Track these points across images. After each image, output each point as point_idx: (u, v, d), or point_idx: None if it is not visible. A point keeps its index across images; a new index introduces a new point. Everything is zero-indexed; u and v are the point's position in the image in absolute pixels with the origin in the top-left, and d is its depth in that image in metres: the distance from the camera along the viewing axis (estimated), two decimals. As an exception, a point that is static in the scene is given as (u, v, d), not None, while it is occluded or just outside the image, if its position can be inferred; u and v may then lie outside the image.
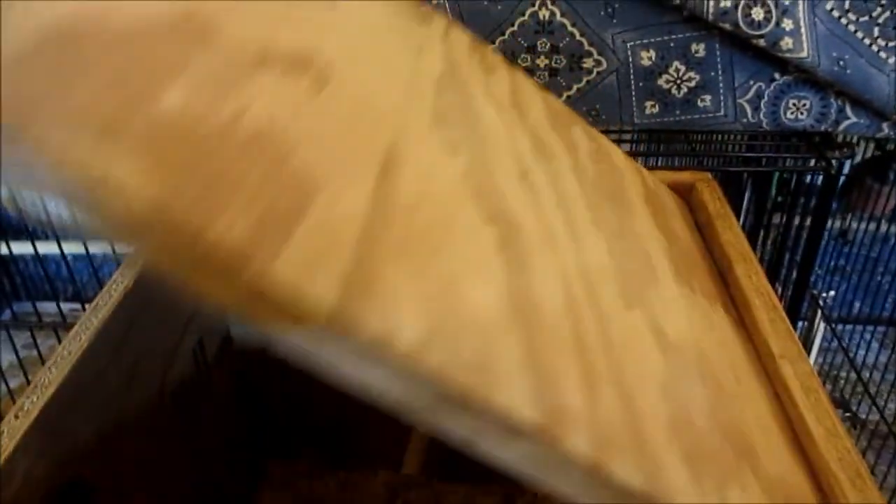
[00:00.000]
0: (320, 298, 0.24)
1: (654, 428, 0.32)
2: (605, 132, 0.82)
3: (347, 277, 0.26)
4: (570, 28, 0.65)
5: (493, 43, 0.66)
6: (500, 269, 0.33)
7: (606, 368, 0.33)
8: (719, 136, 0.85)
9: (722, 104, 0.68)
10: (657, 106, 0.68)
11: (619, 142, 0.85)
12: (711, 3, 0.60)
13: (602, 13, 0.65)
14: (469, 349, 0.28)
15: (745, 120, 0.68)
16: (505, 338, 0.30)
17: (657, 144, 0.90)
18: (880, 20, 0.62)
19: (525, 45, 0.66)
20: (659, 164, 0.88)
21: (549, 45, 0.66)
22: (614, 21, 0.65)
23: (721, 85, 0.67)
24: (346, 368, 0.26)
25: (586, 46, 0.66)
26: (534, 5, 0.65)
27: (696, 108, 0.68)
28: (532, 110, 0.54)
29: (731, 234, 0.57)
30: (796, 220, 0.83)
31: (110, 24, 0.28)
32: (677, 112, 0.68)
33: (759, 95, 0.67)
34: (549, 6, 0.65)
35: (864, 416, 1.01)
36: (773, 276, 0.89)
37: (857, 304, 1.17)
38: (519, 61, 0.67)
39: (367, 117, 0.36)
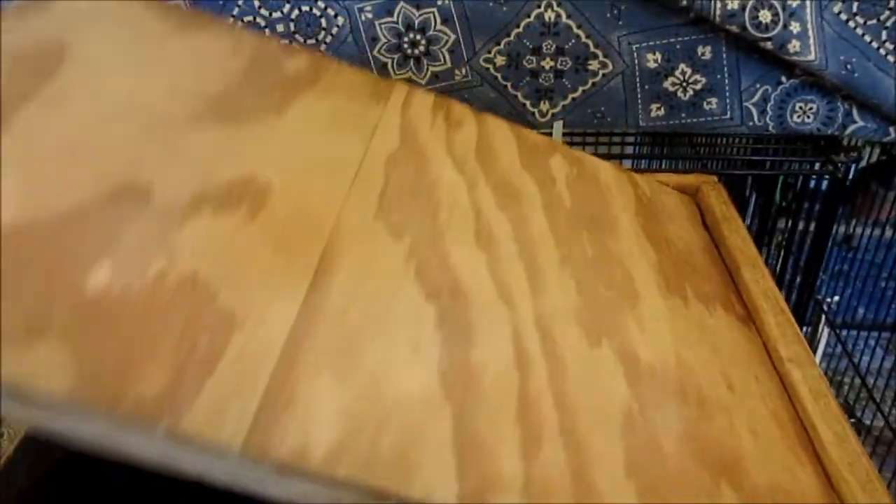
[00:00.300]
0: (230, 439, 0.27)
1: (604, 470, 0.33)
2: (609, 135, 0.82)
3: (261, 405, 0.29)
4: (575, 30, 0.65)
5: (499, 45, 0.66)
6: (436, 347, 0.34)
7: (555, 420, 0.34)
8: (723, 140, 0.85)
9: (728, 107, 0.67)
10: (663, 108, 0.68)
11: (622, 145, 0.85)
12: (718, 5, 0.60)
13: (608, 15, 0.64)
14: (389, 444, 0.30)
15: (751, 123, 0.68)
16: (432, 420, 0.31)
17: (661, 147, 0.89)
18: (888, 23, 0.62)
19: (530, 46, 0.66)
20: (662, 167, 0.87)
21: (554, 46, 0.66)
22: (620, 23, 0.65)
23: (727, 88, 0.66)
24: (267, 487, 0.28)
25: (592, 48, 0.66)
26: (539, 7, 0.65)
27: (702, 110, 0.68)
28: (502, 155, 0.55)
29: (738, 237, 0.57)
30: (801, 225, 0.83)
31: (46, 214, 0.32)
32: (683, 115, 0.68)
33: (765, 99, 0.66)
34: (555, 8, 0.64)
35: (868, 422, 1.01)
36: (777, 280, 0.88)
37: (861, 310, 1.17)
38: (524, 63, 0.67)
39: (304, 228, 0.39)
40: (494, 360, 0.35)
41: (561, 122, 0.69)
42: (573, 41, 0.66)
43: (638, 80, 0.67)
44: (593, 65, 0.67)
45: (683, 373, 0.40)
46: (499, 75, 0.68)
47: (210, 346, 0.29)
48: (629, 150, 0.85)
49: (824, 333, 1.06)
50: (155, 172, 0.37)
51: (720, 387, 0.41)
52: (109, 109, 0.41)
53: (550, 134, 0.69)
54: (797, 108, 0.67)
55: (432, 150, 0.52)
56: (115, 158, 0.37)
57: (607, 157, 0.77)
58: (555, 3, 0.64)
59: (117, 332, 0.28)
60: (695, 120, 0.68)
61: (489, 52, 0.67)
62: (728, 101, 0.67)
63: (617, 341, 0.41)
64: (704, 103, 0.67)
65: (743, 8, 0.59)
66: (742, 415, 0.39)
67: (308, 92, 0.52)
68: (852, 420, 1.04)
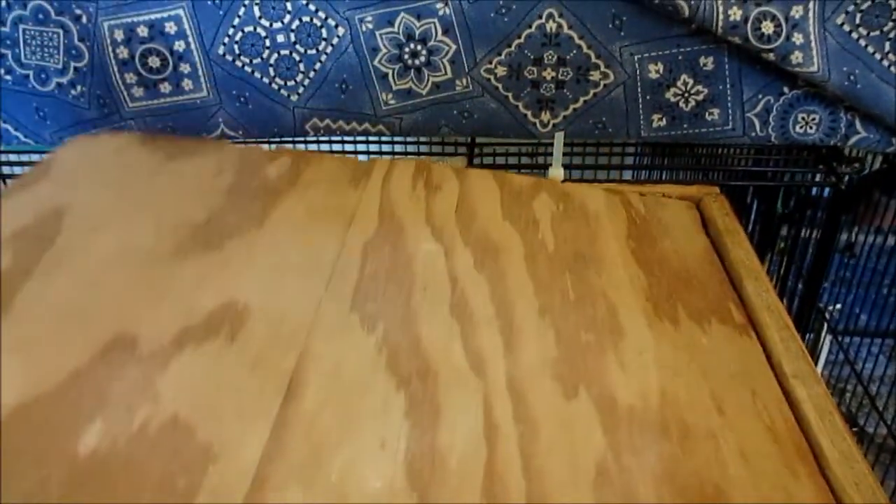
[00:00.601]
0: None
1: None
2: (610, 146, 0.82)
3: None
4: (577, 40, 0.65)
5: (500, 55, 0.66)
6: (403, 438, 0.37)
7: (522, 488, 0.35)
8: (724, 150, 0.85)
9: (730, 118, 0.67)
10: (664, 119, 0.68)
11: (622, 155, 0.85)
12: (721, 17, 0.59)
13: (610, 25, 0.64)
14: None
15: (753, 134, 0.68)
16: None
17: (662, 158, 0.89)
18: (891, 35, 0.62)
19: (532, 57, 0.66)
20: (663, 177, 0.87)
21: (555, 57, 0.66)
22: (622, 34, 0.64)
23: (729, 98, 0.66)
24: None
25: (593, 59, 0.66)
26: (541, 17, 0.64)
27: (704, 121, 0.67)
28: (483, 210, 0.58)
29: (741, 250, 0.56)
30: (803, 232, 0.82)
31: (45, 388, 0.36)
32: (685, 126, 0.68)
33: (767, 109, 0.66)
34: (557, 18, 0.64)
35: (871, 431, 1.00)
36: (780, 288, 0.88)
37: (863, 317, 1.16)
38: (525, 73, 0.67)
39: (280, 341, 0.42)
40: (462, 438, 0.37)
41: (562, 134, 0.68)
42: (574, 51, 0.65)
43: (640, 90, 0.67)
44: (595, 75, 0.66)
45: (667, 406, 0.41)
46: (500, 86, 0.68)
47: (188, 484, 0.32)
48: (629, 160, 0.84)
49: (826, 341, 1.06)
50: (141, 318, 0.42)
51: (708, 413, 0.41)
52: (101, 262, 0.47)
53: (552, 144, 0.69)
54: (800, 119, 0.66)
55: (410, 224, 0.55)
56: (105, 313, 0.42)
57: (607, 167, 0.77)
58: (556, 14, 0.64)
59: (105, 487, 0.32)
60: (697, 130, 0.68)
61: (490, 63, 0.66)
62: (730, 111, 0.67)
63: (595, 388, 0.42)
64: (706, 114, 0.67)
65: (745, 19, 0.59)
66: (732, 438, 0.39)
67: (288, 194, 0.57)
68: (855, 429, 1.04)
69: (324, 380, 0.40)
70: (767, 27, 0.60)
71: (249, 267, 0.48)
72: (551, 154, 0.68)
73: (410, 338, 0.43)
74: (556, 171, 0.67)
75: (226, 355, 0.40)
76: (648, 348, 0.45)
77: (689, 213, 0.63)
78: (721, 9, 0.59)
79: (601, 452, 0.37)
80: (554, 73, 0.67)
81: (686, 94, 0.66)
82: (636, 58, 0.65)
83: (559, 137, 0.68)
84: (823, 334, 1.06)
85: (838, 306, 1.11)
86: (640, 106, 0.67)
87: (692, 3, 0.59)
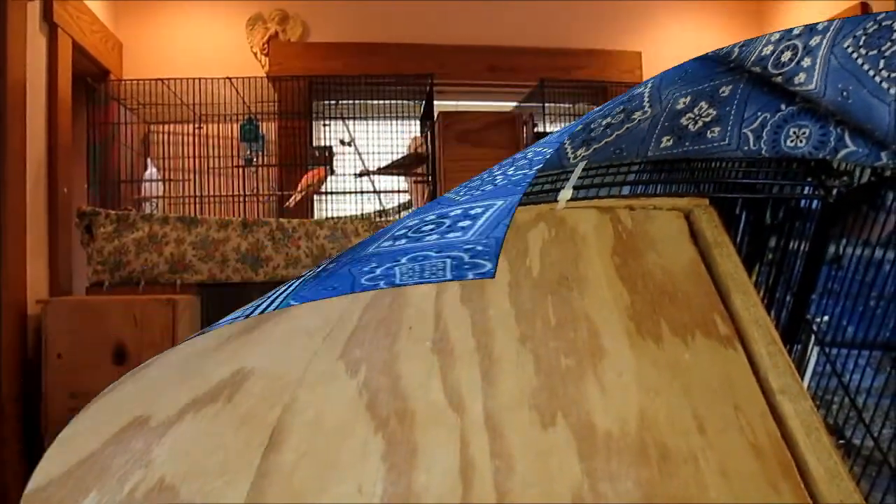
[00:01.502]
0: None
1: None
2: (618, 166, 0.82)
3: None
4: (646, 97, 0.66)
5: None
6: (380, 482, 0.37)
7: None
8: (716, 164, 0.85)
9: (728, 134, 0.67)
10: (672, 140, 0.68)
11: (627, 173, 0.85)
12: (755, 54, 0.60)
13: (678, 79, 0.65)
14: None
15: (746, 147, 0.68)
16: None
17: (659, 173, 0.89)
18: (887, 53, 0.62)
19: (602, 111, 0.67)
20: (657, 191, 0.87)
21: (623, 109, 0.66)
22: (679, 81, 0.65)
23: (731, 118, 0.66)
24: None
25: (645, 102, 0.66)
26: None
27: (705, 139, 0.68)
28: None
29: (730, 263, 0.56)
30: (792, 245, 0.82)
31: (58, 470, 0.39)
32: (687, 143, 0.68)
33: (763, 125, 0.66)
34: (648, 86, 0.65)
35: (858, 443, 1.01)
36: (768, 299, 0.88)
37: (850, 328, 1.17)
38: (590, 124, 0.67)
39: (269, 396, 0.43)
40: (438, 478, 0.37)
41: (583, 164, 0.68)
42: (637, 101, 0.66)
43: (662, 119, 0.67)
44: (637, 115, 0.67)
45: (646, 429, 0.41)
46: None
47: None
48: (632, 177, 0.85)
49: (814, 352, 1.06)
50: (161, 399, 0.44)
51: (689, 433, 0.41)
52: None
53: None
54: (790, 133, 0.67)
55: None
56: (134, 401, 0.45)
57: (610, 185, 0.77)
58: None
59: None
60: (697, 147, 0.68)
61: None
62: (730, 129, 0.67)
63: (573, 415, 0.42)
64: (708, 132, 0.67)
65: (773, 52, 0.60)
66: (713, 458, 0.39)
67: None
68: (841, 441, 1.04)
69: (305, 429, 0.40)
70: (786, 55, 0.60)
71: (269, 338, 0.50)
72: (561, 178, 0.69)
73: (391, 378, 0.44)
74: (566, 193, 0.67)
75: (221, 414, 0.42)
76: (629, 369, 0.45)
77: (678, 224, 0.63)
78: (758, 47, 0.60)
79: (577, 482, 0.37)
80: (610, 119, 0.67)
81: (696, 118, 0.67)
82: (674, 95, 0.66)
83: (580, 166, 0.68)
84: (811, 346, 1.06)
85: (825, 318, 1.11)
86: (657, 131, 0.68)
87: (743, 48, 0.60)
